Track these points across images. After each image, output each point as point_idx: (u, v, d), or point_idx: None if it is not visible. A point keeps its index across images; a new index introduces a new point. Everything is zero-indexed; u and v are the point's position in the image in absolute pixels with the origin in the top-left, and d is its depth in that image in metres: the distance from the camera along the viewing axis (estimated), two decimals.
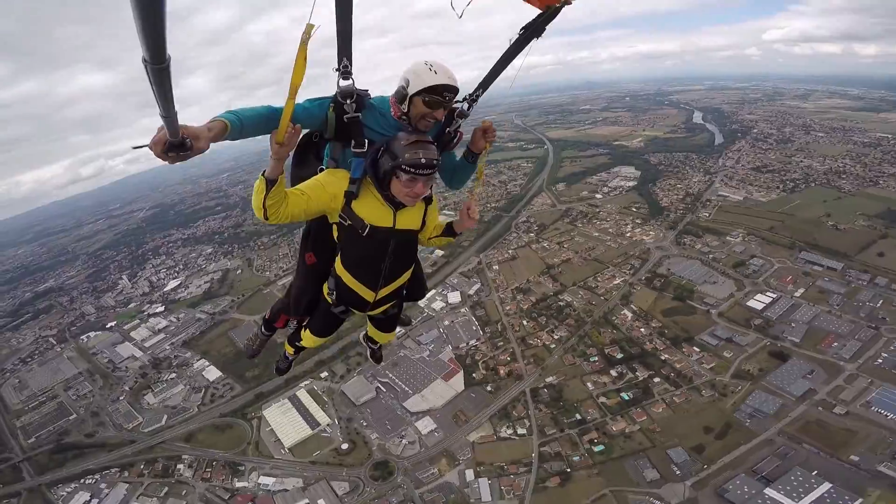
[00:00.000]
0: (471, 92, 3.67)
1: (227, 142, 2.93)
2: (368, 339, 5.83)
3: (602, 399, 45.75)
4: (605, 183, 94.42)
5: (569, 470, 40.18)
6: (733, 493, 34.56)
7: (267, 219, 3.14)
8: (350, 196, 3.35)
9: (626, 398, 45.06)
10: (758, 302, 52.34)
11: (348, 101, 3.22)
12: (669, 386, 45.36)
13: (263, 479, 46.86)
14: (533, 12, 3.13)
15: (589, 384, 47.64)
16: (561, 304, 60.05)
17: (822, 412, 39.43)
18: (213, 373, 60.52)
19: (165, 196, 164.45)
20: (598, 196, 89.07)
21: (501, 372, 51.01)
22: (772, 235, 64.40)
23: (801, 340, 46.71)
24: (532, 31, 3.22)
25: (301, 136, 3.40)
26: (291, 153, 3.12)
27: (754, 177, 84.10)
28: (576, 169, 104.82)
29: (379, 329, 5.21)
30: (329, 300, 4.13)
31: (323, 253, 4.05)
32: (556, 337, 54.60)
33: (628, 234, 72.91)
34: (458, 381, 50.99)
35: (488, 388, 49.50)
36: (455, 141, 3.84)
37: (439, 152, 3.33)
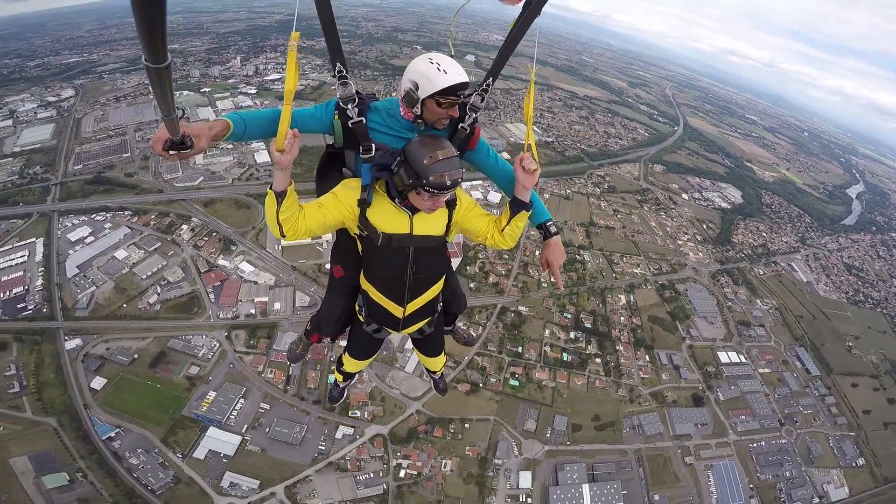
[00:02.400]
0: (481, 82, 3.48)
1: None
2: (426, 368, 5.70)
3: (547, 348, 50.63)
4: (701, 190, 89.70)
5: (480, 385, 45.55)
6: (562, 476, 40.31)
7: (284, 235, 3.09)
8: (363, 204, 3.23)
9: (565, 359, 49.98)
10: (726, 356, 54.21)
11: (350, 106, 3.20)
12: (602, 370, 49.86)
13: (244, 265, 50.15)
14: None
15: (547, 331, 52.35)
16: (577, 258, 62.85)
17: (677, 454, 44.07)
18: (263, 156, 66.15)
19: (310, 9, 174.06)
20: (685, 196, 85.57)
21: (491, 279, 56.12)
22: (792, 321, 62.81)
23: (724, 400, 49.64)
24: (532, 9, 3.11)
25: (324, 148, 3.61)
26: (314, 165, 3.29)
27: (837, 271, 77.77)
28: (686, 162, 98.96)
29: (423, 353, 4.97)
30: (360, 318, 4.04)
31: (351, 266, 3.92)
32: (552, 280, 58.21)
33: (679, 242, 71.92)
34: (452, 263, 56.16)
35: (471, 286, 54.78)
36: (473, 138, 3.52)
37: (459, 152, 3.16)
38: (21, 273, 47.13)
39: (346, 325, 4.49)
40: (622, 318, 55.89)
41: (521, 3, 3.11)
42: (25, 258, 48.72)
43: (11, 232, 52.06)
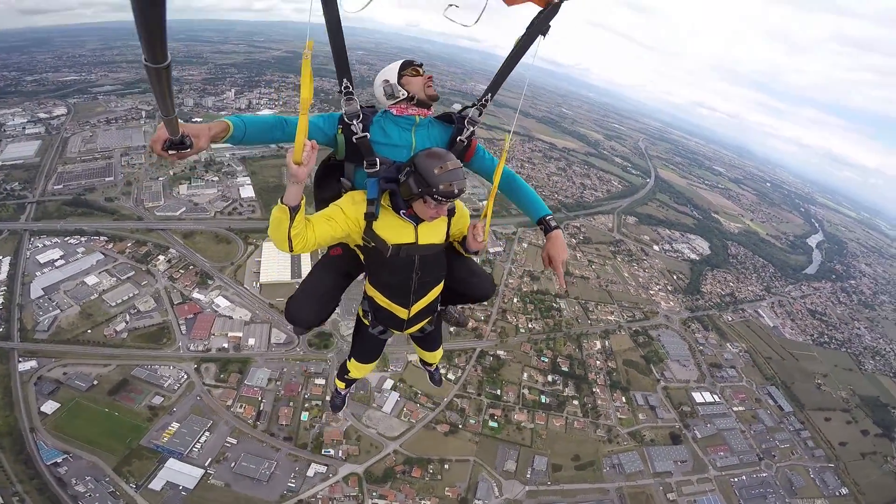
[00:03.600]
0: (479, 97, 3.59)
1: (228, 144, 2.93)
2: (422, 360, 5.90)
3: (525, 391, 51.96)
4: (671, 241, 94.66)
5: (459, 426, 46.22)
6: None
7: (292, 250, 3.06)
8: (371, 217, 3.28)
9: (543, 401, 51.29)
10: (700, 396, 56.31)
11: (355, 122, 3.24)
12: (579, 412, 51.30)
13: (219, 300, 49.52)
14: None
15: (525, 374, 53.81)
16: (554, 305, 65.52)
17: (659, 491, 45.36)
18: (248, 191, 66.65)
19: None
20: (656, 248, 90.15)
21: (470, 324, 57.62)
22: (762, 362, 65.75)
23: (701, 438, 51.26)
24: (536, 28, 3.19)
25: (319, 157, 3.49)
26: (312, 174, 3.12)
27: (801, 316, 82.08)
28: (656, 214, 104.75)
29: (423, 348, 5.25)
30: (366, 322, 4.17)
31: (350, 253, 3.86)
32: (530, 326, 60.76)
33: (651, 292, 75.46)
34: None
35: (451, 330, 56.16)
36: (470, 149, 3.65)
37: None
38: None
39: (327, 311, 4.02)
40: (598, 362, 57.95)
41: (521, 3, 3.13)
42: None
43: None
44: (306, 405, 43.86)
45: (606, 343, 61.60)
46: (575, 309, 66.32)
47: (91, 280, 49.41)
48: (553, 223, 3.77)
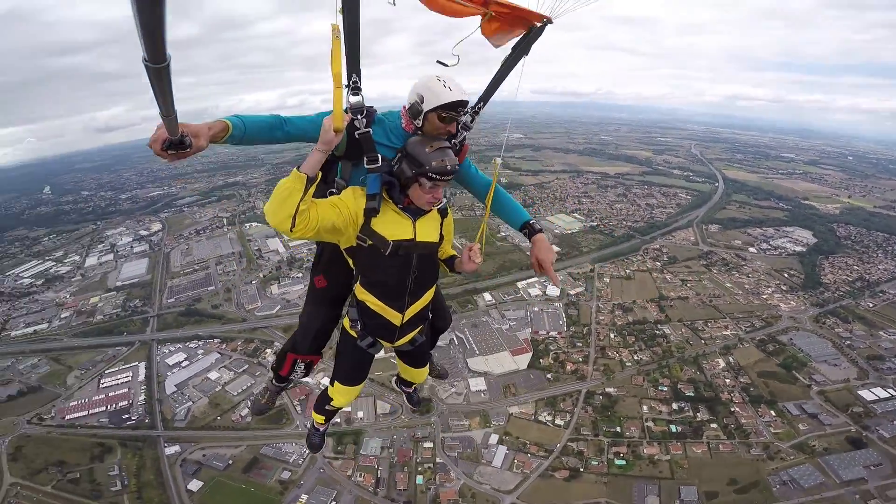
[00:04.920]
0: (473, 105, 3.63)
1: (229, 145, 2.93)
2: (401, 382, 5.66)
3: (650, 423, 46.59)
4: (767, 239, 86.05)
5: (581, 470, 42.26)
6: None
7: (293, 229, 2.86)
8: (372, 213, 3.20)
9: (674, 430, 45.47)
10: (871, 394, 46.99)
11: (359, 117, 3.22)
12: (722, 434, 44.55)
13: (325, 381, 54.02)
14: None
15: (645, 407, 48.56)
16: (657, 332, 60.07)
17: (856, 499, 36.71)
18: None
19: None
20: (752, 250, 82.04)
21: (568, 367, 54.18)
22: None
23: (891, 437, 42.17)
24: (520, 51, 3.42)
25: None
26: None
27: None
28: (740, 216, 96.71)
29: (410, 365, 4.87)
30: (353, 333, 3.86)
31: (336, 277, 3.89)
32: (636, 358, 55.70)
33: (764, 296, 67.47)
34: (523, 360, 55.30)
35: (548, 376, 53.19)
36: (462, 153, 3.69)
37: None
38: (126, 390, 51.70)
39: (324, 340, 4.47)
40: (727, 381, 50.95)
41: (511, 45, 3.45)
42: (130, 378, 53.61)
43: (118, 357, 57.73)
44: (419, 469, 43.62)
45: (730, 359, 54.52)
46: (682, 332, 60.30)
47: (213, 375, 54.54)
48: (537, 226, 3.95)
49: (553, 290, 67.55)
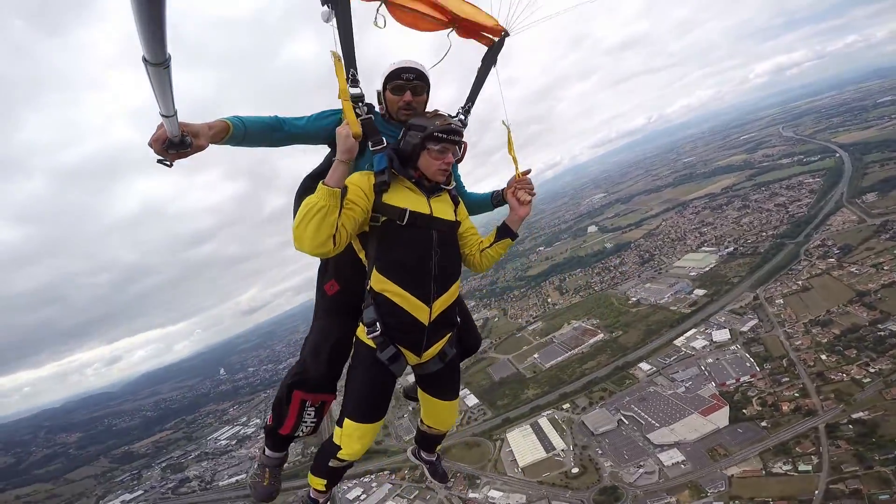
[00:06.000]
0: (463, 104, 3.77)
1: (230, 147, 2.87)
2: (422, 445, 4.59)
3: None
4: None
5: None
6: None
7: (336, 246, 2.69)
8: (381, 187, 2.97)
9: None
10: None
11: (360, 104, 3.22)
12: None
13: (493, 493, 52.45)
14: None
15: None
16: (882, 333, 48.90)
17: None
18: (472, 399, 72.44)
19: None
20: None
21: (785, 408, 45.80)
22: None
23: None
24: (489, 61, 3.68)
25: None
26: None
27: None
28: (890, 174, 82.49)
29: (437, 395, 3.65)
30: (370, 343, 3.04)
31: (350, 278, 3.35)
32: (872, 370, 45.46)
33: None
34: (720, 417, 48.23)
35: (762, 424, 45.19)
36: (460, 155, 3.34)
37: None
38: None
39: (340, 364, 3.54)
40: None
41: (480, 58, 3.75)
42: None
43: None
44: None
45: None
46: None
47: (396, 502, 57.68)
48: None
49: (721, 335, 59.71)
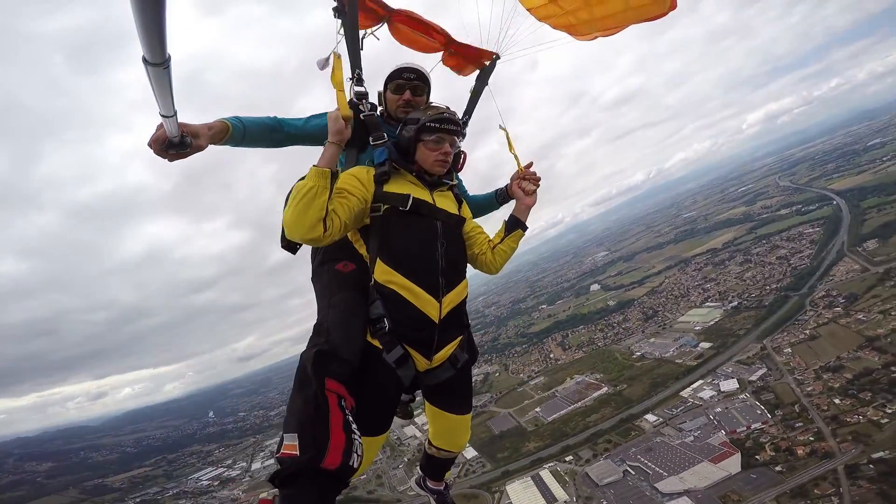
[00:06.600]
0: (462, 116, 3.75)
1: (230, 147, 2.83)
2: (428, 472, 4.08)
3: None
4: None
5: None
6: None
7: (324, 234, 2.48)
8: (382, 178, 2.87)
9: None
10: None
11: (364, 101, 3.28)
12: None
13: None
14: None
15: None
16: (894, 375, 47.65)
17: None
18: (469, 452, 69.34)
19: None
20: None
21: (800, 452, 44.11)
22: None
23: None
24: (482, 82, 3.90)
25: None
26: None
27: None
28: (889, 218, 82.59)
29: (448, 409, 3.29)
30: (377, 343, 2.70)
31: (359, 259, 3.04)
32: (889, 411, 43.90)
33: None
34: (731, 464, 46.36)
35: (777, 469, 43.45)
36: (460, 164, 3.34)
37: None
38: None
39: (362, 345, 2.72)
40: None
41: (474, 77, 4.01)
42: None
43: None
44: None
45: None
46: None
47: None
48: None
49: (730, 385, 58.28)
